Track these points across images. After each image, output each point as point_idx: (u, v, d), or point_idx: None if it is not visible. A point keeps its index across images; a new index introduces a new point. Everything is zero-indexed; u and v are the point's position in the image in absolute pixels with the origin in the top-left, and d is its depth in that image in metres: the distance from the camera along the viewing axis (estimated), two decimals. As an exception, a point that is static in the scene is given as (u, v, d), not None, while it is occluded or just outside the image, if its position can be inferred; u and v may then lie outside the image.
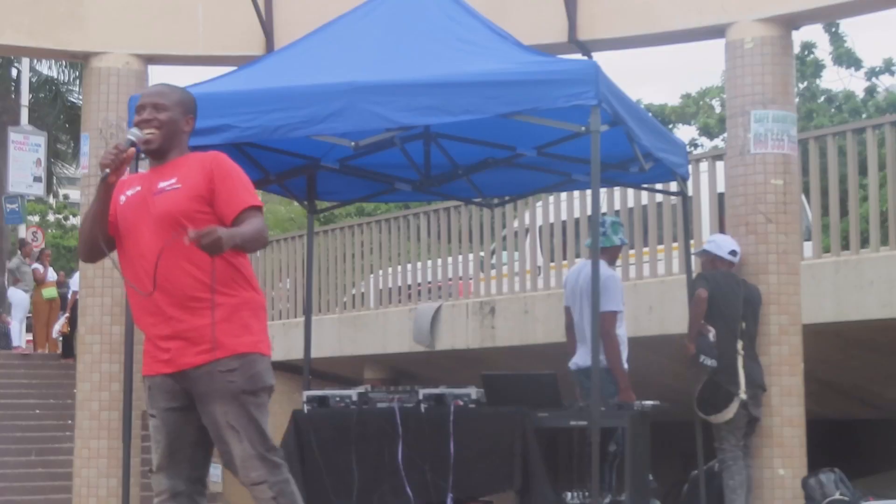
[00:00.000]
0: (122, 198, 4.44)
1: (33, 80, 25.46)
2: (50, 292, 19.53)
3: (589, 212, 7.27)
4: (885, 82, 23.21)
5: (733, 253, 8.47)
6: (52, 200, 34.95)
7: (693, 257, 8.85)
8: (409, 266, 13.71)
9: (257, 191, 9.63)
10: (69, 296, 18.63)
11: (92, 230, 4.41)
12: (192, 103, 4.61)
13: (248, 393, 4.32)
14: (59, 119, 26.42)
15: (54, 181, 28.18)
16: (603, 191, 10.67)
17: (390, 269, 13.75)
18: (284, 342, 14.09)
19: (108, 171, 4.30)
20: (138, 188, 4.44)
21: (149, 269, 4.28)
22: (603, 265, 7.62)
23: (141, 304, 4.38)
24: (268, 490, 4.30)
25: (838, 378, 11.01)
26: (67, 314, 17.58)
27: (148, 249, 4.31)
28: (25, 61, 24.33)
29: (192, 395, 4.36)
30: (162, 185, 4.38)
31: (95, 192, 4.41)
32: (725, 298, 8.24)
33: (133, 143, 4.39)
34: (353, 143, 7.27)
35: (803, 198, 11.27)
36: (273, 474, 4.32)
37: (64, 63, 24.56)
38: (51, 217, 38.01)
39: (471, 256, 13.06)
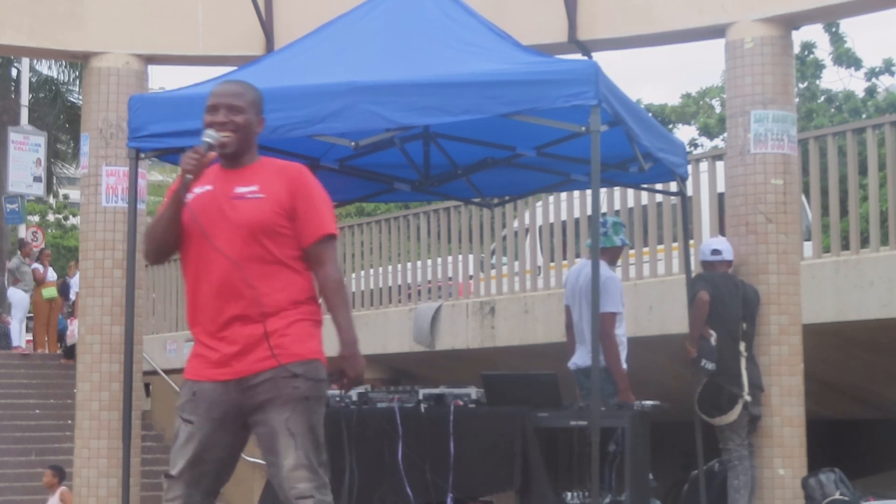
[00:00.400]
0: (189, 196, 4.29)
1: (33, 80, 25.46)
2: (50, 292, 19.54)
3: (589, 212, 7.26)
4: (885, 82, 23.21)
5: (715, 252, 8.47)
6: (51, 200, 34.93)
7: (693, 259, 8.85)
8: (409, 266, 13.71)
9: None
10: (73, 297, 18.62)
11: (166, 233, 4.28)
12: (262, 102, 4.47)
13: (312, 400, 4.23)
14: (59, 119, 26.42)
15: (54, 181, 28.17)
16: (603, 191, 10.67)
17: (390, 268, 13.75)
18: (284, 342, 14.05)
19: (190, 177, 4.20)
20: (209, 187, 4.29)
21: (220, 274, 4.19)
22: (603, 266, 7.61)
23: (202, 307, 4.25)
24: None
25: (838, 378, 11.00)
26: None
27: (221, 254, 4.19)
28: (25, 61, 24.33)
29: (241, 406, 4.22)
30: (240, 189, 4.26)
31: (174, 196, 4.26)
32: (724, 300, 8.23)
33: (211, 147, 4.26)
34: (352, 143, 7.27)
35: (803, 198, 11.27)
36: (320, 492, 4.17)
37: (64, 63, 24.56)
38: (51, 217, 37.98)
39: (471, 256, 13.06)
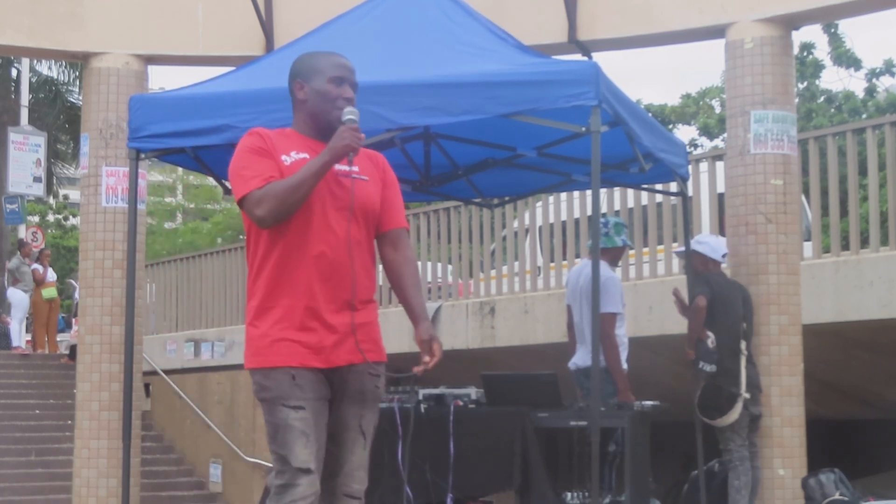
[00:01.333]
0: (287, 158, 4.13)
1: (33, 80, 25.47)
2: (49, 292, 19.54)
3: (589, 212, 7.26)
4: (885, 83, 23.21)
5: (726, 256, 8.48)
6: (51, 201, 34.95)
7: (675, 256, 8.81)
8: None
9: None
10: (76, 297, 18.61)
11: (302, 200, 4.05)
12: None
13: (379, 402, 4.23)
14: (59, 119, 26.42)
15: (54, 181, 28.18)
16: (603, 191, 10.67)
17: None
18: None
19: (353, 154, 4.09)
20: (305, 155, 4.13)
21: (327, 253, 4.06)
22: (603, 266, 7.61)
23: (298, 282, 4.07)
24: None
25: (838, 378, 11.00)
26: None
27: (334, 230, 4.08)
28: (25, 61, 24.33)
29: (329, 386, 4.10)
30: (342, 167, 4.12)
31: (321, 166, 4.05)
32: (726, 300, 8.21)
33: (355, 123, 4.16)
34: (352, 144, 7.26)
35: (803, 198, 11.27)
36: (364, 495, 4.15)
37: (64, 63, 24.57)
38: (50, 217, 38.01)
39: (471, 256, 13.06)
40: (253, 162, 4.12)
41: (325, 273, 4.07)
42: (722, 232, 9.83)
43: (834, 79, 59.51)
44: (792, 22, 8.72)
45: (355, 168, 4.14)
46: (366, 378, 4.13)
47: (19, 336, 19.51)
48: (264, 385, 4.07)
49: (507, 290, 12.25)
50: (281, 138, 4.21)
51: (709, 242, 8.63)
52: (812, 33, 30.24)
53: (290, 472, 3.98)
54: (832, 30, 22.25)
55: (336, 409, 4.13)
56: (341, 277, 4.08)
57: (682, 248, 8.65)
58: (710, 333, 8.14)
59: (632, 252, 11.06)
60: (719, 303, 8.19)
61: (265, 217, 4.05)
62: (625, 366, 7.85)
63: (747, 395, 8.14)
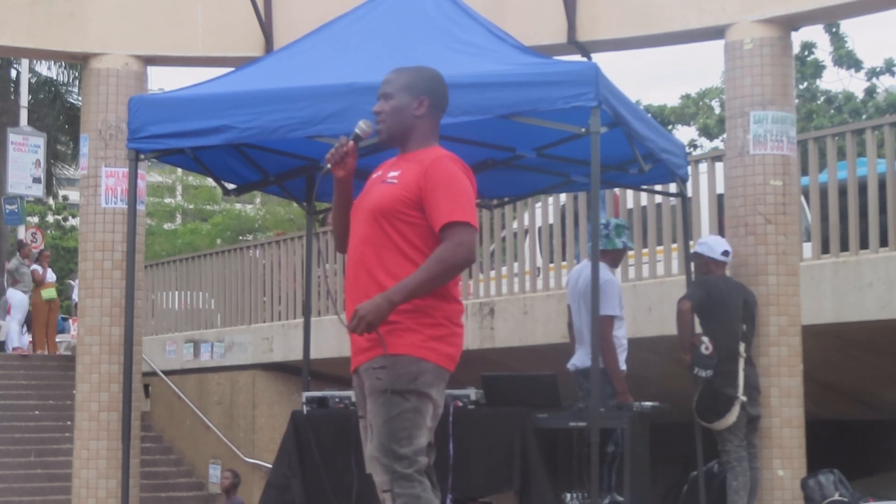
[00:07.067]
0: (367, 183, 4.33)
1: (33, 80, 25.45)
2: (49, 293, 19.53)
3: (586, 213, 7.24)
4: (885, 83, 23.22)
5: (726, 253, 8.43)
6: (51, 201, 34.94)
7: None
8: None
9: (256, 192, 9.64)
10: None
11: (335, 221, 4.37)
12: (426, 82, 4.34)
13: (393, 393, 4.04)
14: (59, 120, 26.40)
15: (54, 182, 28.15)
16: (602, 192, 10.66)
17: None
18: (284, 343, 14.09)
19: (328, 166, 4.20)
20: (379, 173, 4.29)
21: (351, 257, 4.18)
22: (603, 268, 7.59)
23: (349, 296, 4.24)
24: (389, 501, 4.03)
25: (838, 379, 11.00)
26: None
27: (356, 240, 4.20)
28: (25, 62, 24.32)
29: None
30: (391, 174, 4.22)
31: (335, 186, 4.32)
32: (725, 301, 8.20)
33: (357, 136, 4.25)
34: (352, 144, 7.26)
35: (802, 199, 11.26)
36: (398, 485, 4.02)
37: (63, 64, 24.56)
38: (50, 218, 38.00)
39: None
40: None
41: (348, 276, 4.23)
42: (721, 233, 9.82)
43: (834, 79, 59.55)
44: (791, 23, 8.72)
45: (397, 173, 4.20)
46: (369, 373, 4.13)
47: (19, 337, 19.50)
48: None
49: (507, 290, 12.24)
50: (386, 164, 4.39)
51: (707, 242, 8.61)
52: (813, 33, 30.23)
53: None
54: (833, 30, 22.25)
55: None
56: (355, 278, 4.18)
57: (692, 252, 8.64)
58: (703, 339, 8.13)
59: (631, 253, 11.05)
60: (717, 305, 8.17)
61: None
62: (624, 367, 7.84)
63: (744, 398, 8.13)
